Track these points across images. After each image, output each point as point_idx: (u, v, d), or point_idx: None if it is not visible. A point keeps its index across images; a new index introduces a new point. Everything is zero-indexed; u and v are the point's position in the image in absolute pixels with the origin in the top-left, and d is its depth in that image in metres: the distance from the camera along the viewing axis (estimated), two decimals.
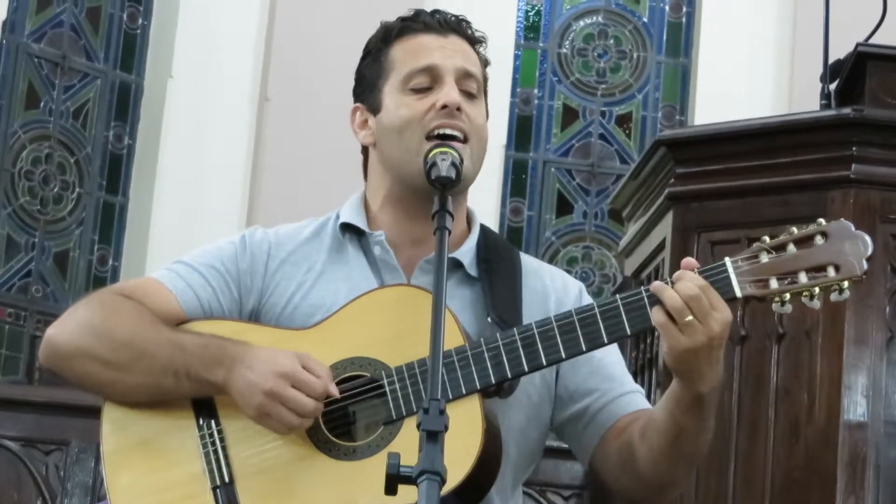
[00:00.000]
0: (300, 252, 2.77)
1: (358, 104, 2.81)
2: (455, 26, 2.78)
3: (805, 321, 3.74)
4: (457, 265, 2.71)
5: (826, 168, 3.84)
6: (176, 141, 8.00)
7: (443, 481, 2.13)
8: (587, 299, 2.77)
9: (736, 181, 3.95)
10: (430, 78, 2.72)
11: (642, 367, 4.26)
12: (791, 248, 2.49)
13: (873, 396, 3.69)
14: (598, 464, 2.71)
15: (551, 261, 8.32)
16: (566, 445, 2.78)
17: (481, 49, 2.81)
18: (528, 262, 2.80)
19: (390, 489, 2.16)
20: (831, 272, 2.46)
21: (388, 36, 2.79)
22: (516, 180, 8.53)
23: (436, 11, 2.80)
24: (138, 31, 8.19)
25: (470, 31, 2.80)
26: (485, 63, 2.81)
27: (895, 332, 3.73)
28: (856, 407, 3.68)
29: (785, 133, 3.96)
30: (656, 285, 2.48)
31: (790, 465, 3.73)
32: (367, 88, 2.79)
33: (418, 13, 2.80)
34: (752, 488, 3.78)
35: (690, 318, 2.43)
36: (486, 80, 2.81)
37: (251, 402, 2.54)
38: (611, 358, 2.74)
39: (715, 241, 3.94)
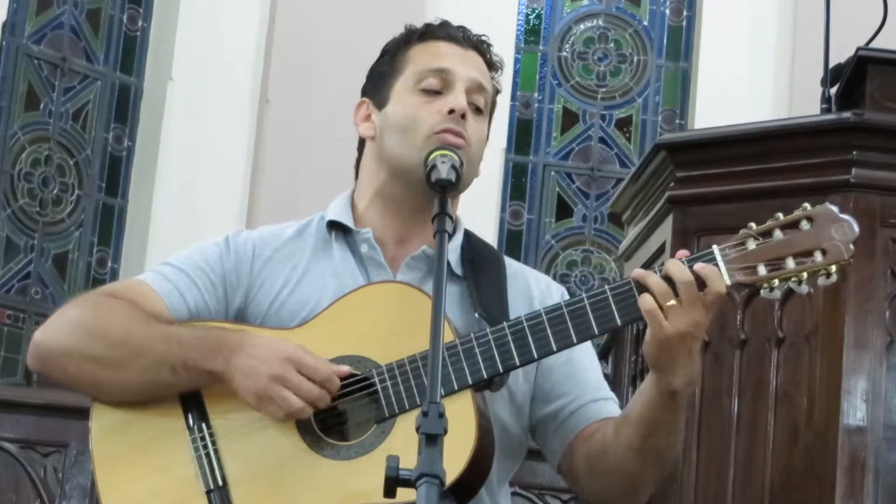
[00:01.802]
0: (285, 250, 2.78)
1: (365, 98, 2.83)
2: (477, 44, 2.82)
3: (805, 325, 3.74)
4: None
5: (826, 172, 3.83)
6: (176, 143, 7.99)
7: (441, 484, 2.13)
8: None
9: (736, 185, 3.95)
10: (442, 81, 2.74)
11: (641, 372, 4.26)
12: (777, 233, 2.51)
13: (873, 401, 3.68)
14: (566, 468, 2.72)
15: (551, 264, 8.33)
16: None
17: (496, 76, 2.84)
18: (511, 264, 2.82)
19: (389, 492, 2.16)
20: (818, 257, 2.48)
21: (409, 38, 2.82)
22: (516, 184, 8.53)
23: (461, 27, 2.83)
24: (138, 33, 8.19)
25: (489, 56, 2.83)
26: (495, 90, 2.83)
27: (895, 337, 3.72)
28: (855, 411, 3.67)
29: (785, 137, 3.95)
30: (640, 272, 2.49)
31: (789, 470, 3.73)
32: (376, 84, 2.81)
33: (444, 23, 2.84)
34: (751, 492, 3.77)
35: (673, 302, 2.44)
36: (494, 105, 2.83)
37: (254, 387, 2.53)
38: (587, 363, 2.75)
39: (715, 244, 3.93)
